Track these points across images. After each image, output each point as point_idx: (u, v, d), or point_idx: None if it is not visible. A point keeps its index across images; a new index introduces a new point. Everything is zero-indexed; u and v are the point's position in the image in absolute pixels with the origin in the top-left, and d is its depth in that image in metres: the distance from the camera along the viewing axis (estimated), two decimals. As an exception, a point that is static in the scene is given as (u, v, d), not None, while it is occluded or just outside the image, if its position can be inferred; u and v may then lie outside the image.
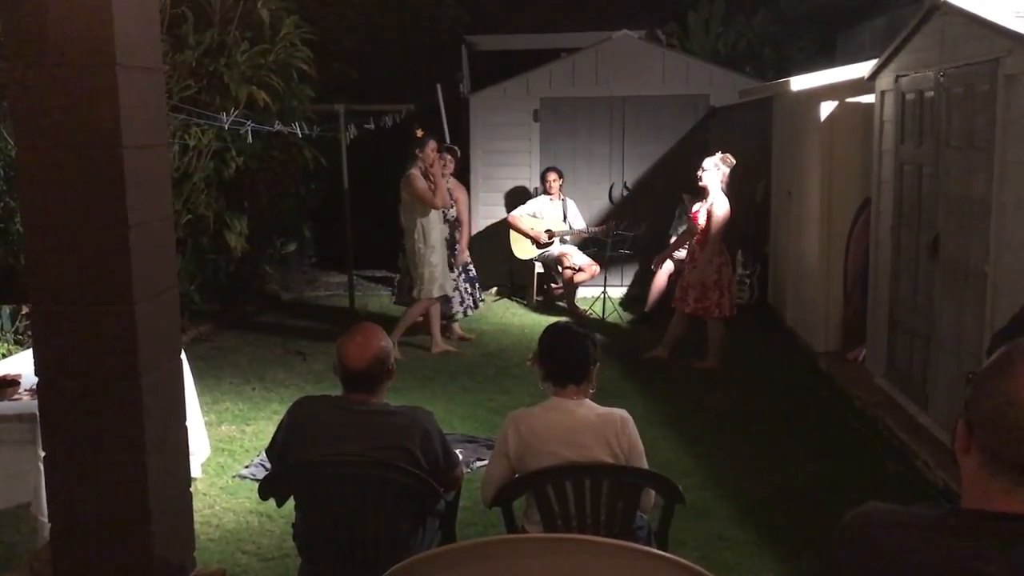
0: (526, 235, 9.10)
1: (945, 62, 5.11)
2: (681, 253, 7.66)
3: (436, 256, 7.17)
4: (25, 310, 6.37)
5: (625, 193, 9.77)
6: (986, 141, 4.60)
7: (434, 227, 7.16)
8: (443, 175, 7.38)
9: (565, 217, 9.15)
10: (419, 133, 7.57)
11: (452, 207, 7.96)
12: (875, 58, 6.25)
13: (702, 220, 6.85)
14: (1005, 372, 1.40)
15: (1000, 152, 4.46)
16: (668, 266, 8.31)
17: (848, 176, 6.84)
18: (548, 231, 9.05)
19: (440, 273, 7.22)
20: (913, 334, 5.63)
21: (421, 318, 7.51)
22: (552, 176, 9.11)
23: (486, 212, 9.88)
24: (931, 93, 5.30)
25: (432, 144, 7.20)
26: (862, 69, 6.51)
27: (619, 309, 8.84)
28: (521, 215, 9.18)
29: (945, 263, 5.15)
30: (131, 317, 2.57)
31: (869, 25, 10.24)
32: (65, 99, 2.49)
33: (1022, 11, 4.54)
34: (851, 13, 10.60)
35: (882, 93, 6.11)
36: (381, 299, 9.70)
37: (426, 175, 7.10)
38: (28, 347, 4.77)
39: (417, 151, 7.11)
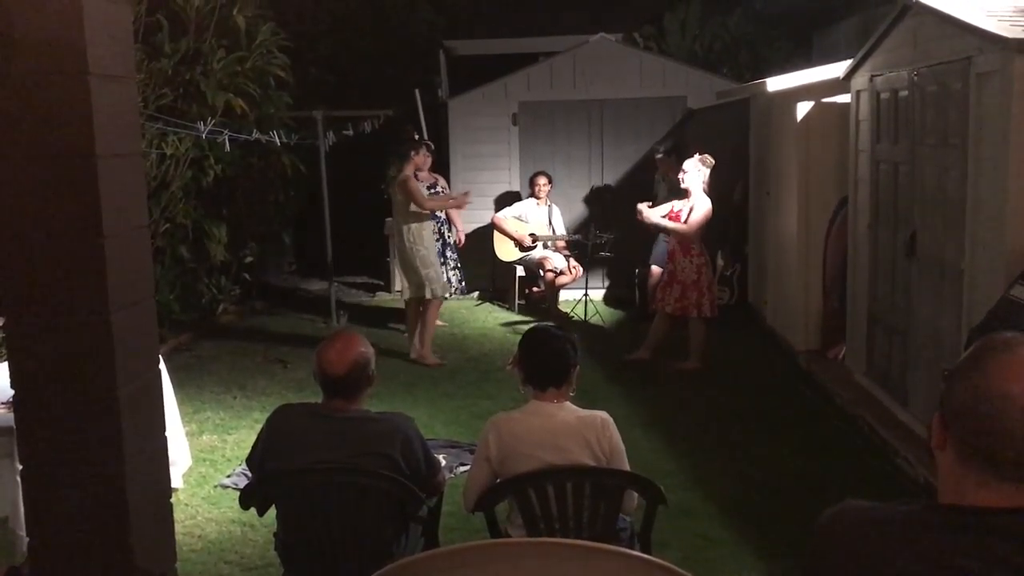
0: (510, 237, 9.10)
1: (919, 61, 5.16)
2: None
3: (432, 255, 7.41)
4: (0, 322, 6.29)
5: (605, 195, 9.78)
6: (960, 139, 4.64)
7: (426, 228, 7.37)
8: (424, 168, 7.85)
9: (550, 222, 9.16)
10: (413, 135, 7.64)
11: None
12: (850, 58, 6.30)
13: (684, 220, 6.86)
14: (977, 367, 1.42)
15: (974, 149, 4.51)
16: (656, 269, 8.33)
17: (825, 175, 6.88)
18: (532, 235, 9.05)
19: (437, 272, 7.41)
20: (892, 331, 5.67)
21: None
22: (542, 180, 9.11)
23: (467, 216, 9.80)
24: (905, 92, 5.34)
25: (424, 149, 7.43)
26: (837, 69, 6.55)
27: (600, 311, 8.85)
28: (506, 216, 9.18)
29: (922, 260, 5.19)
30: (107, 328, 2.55)
31: (844, 25, 10.33)
32: (37, 109, 2.47)
33: (994, 10, 4.59)
34: (826, 13, 10.69)
35: (857, 93, 6.16)
36: (362, 305, 9.68)
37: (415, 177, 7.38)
38: (3, 360, 4.72)
39: (412, 153, 7.27)
